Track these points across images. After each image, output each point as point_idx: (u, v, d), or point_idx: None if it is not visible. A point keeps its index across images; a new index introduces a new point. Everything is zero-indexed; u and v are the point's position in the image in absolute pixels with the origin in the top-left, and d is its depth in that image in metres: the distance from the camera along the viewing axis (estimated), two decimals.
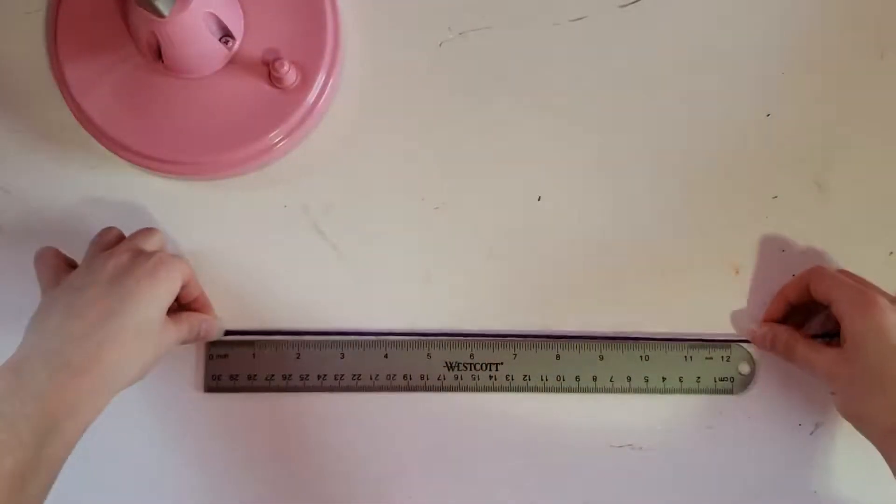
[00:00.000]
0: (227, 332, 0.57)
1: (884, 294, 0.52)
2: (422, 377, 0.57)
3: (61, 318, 0.48)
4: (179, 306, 0.56)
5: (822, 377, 0.53)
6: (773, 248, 0.58)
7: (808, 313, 0.56)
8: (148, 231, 0.55)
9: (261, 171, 0.58)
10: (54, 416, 0.45)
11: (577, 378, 0.57)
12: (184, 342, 0.54)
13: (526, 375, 0.57)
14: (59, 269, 0.53)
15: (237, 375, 0.57)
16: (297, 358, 0.57)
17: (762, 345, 0.56)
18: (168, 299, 0.51)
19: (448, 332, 0.57)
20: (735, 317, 0.58)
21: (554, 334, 0.57)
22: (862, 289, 0.52)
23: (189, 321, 0.54)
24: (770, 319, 0.57)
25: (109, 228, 0.56)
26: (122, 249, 0.52)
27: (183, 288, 0.53)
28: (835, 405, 0.53)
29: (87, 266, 0.52)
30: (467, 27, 0.60)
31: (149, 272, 0.50)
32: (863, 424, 0.51)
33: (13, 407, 0.44)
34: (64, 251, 0.57)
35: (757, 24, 0.60)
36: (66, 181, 0.59)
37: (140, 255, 0.52)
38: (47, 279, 0.53)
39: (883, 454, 0.50)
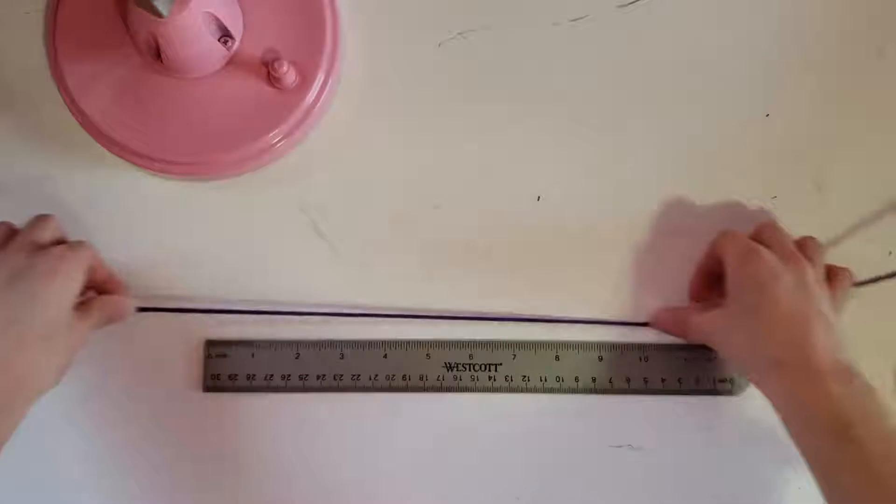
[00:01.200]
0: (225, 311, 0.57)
1: (769, 241, 0.53)
2: (421, 378, 0.57)
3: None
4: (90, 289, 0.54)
5: (709, 336, 0.54)
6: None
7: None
8: (41, 220, 0.52)
9: (260, 171, 0.58)
10: None
11: (577, 379, 0.57)
12: (95, 328, 0.53)
13: (525, 376, 0.57)
14: None
15: (236, 375, 0.57)
16: (297, 358, 0.57)
17: (663, 327, 0.57)
18: (71, 296, 0.50)
19: (447, 332, 0.57)
20: None
21: (553, 318, 0.57)
22: (748, 241, 0.53)
23: (98, 308, 0.52)
24: (693, 296, 0.57)
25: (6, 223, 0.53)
26: (15, 248, 0.50)
27: (90, 273, 0.52)
28: (721, 356, 0.54)
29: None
30: (467, 27, 0.60)
31: (47, 271, 0.49)
32: (746, 369, 0.52)
33: None
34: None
35: (756, 24, 0.60)
36: (65, 181, 0.59)
37: (36, 254, 0.50)
38: None
39: (766, 394, 0.50)
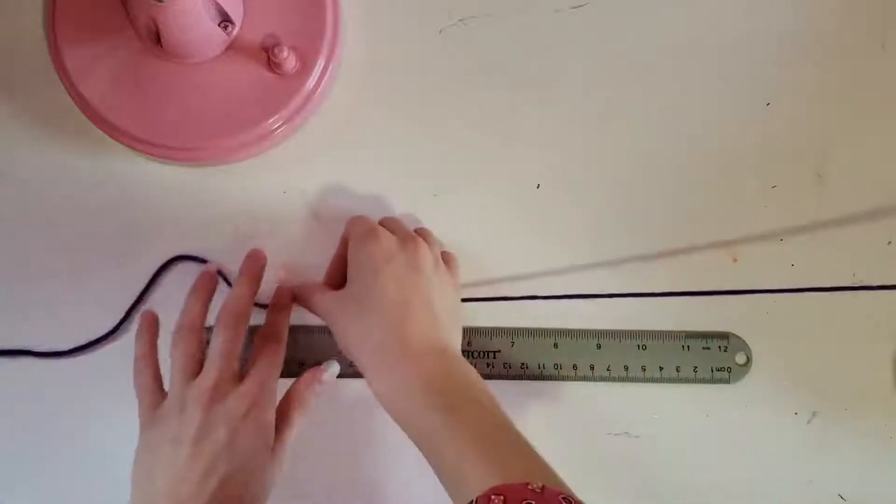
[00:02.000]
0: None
1: (392, 227, 0.54)
2: None
3: (167, 482, 0.48)
4: None
5: (326, 318, 0.53)
6: (771, 238, 0.58)
7: None
8: (229, 347, 0.51)
9: (260, 156, 0.58)
10: None
11: (575, 367, 0.57)
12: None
13: (523, 363, 0.57)
14: (155, 394, 0.52)
15: None
16: (295, 344, 0.57)
17: (286, 298, 0.56)
18: (269, 439, 0.50)
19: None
20: (733, 306, 0.58)
21: (554, 312, 0.58)
22: (371, 223, 0.53)
23: (301, 408, 0.53)
24: (327, 281, 0.56)
25: (188, 340, 0.52)
26: (210, 389, 0.50)
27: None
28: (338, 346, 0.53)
29: (180, 407, 0.49)
30: (467, 14, 0.60)
31: (242, 420, 0.49)
32: (354, 354, 0.51)
33: None
34: (63, 237, 0.58)
35: (757, 12, 0.60)
36: (64, 166, 0.59)
37: (230, 398, 0.50)
38: (146, 406, 0.51)
39: (369, 378, 0.50)
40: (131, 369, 0.53)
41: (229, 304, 0.52)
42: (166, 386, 0.52)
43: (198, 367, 0.51)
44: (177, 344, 0.52)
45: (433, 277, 0.52)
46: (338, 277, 0.56)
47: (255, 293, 0.54)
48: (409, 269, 0.51)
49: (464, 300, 0.57)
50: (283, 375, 0.56)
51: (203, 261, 0.58)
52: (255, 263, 0.56)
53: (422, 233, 0.56)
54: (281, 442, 0.51)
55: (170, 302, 0.56)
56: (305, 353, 0.57)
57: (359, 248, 0.52)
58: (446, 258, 0.56)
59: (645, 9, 0.60)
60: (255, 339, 0.54)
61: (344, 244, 0.55)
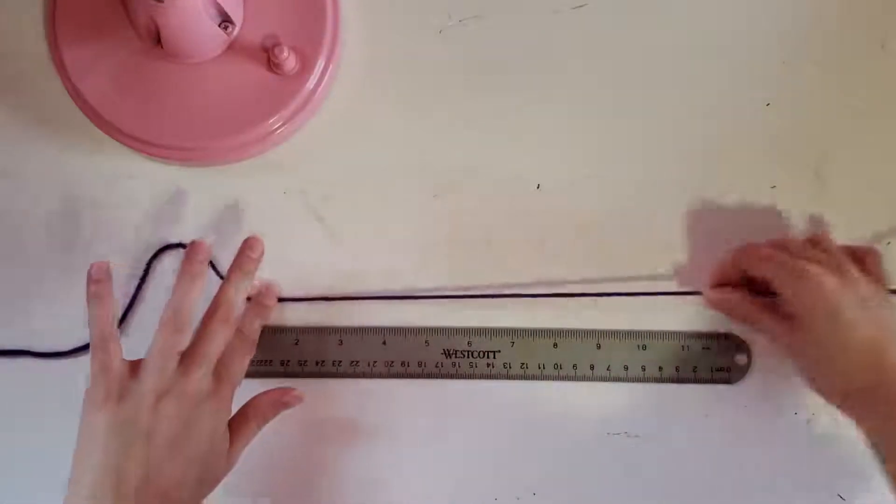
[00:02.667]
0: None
1: (816, 257, 0.53)
2: (419, 364, 0.57)
3: (108, 468, 0.46)
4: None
5: (782, 347, 0.54)
6: (771, 238, 0.58)
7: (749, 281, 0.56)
8: (208, 348, 0.50)
9: (260, 156, 0.58)
10: None
11: (575, 366, 0.57)
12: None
13: (524, 363, 0.57)
14: (123, 379, 0.48)
15: None
16: (296, 344, 0.57)
17: (719, 309, 0.57)
18: (224, 444, 0.50)
19: (446, 319, 0.58)
20: None
21: (555, 313, 0.58)
22: (793, 264, 0.52)
23: (258, 420, 0.52)
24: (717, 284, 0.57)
25: (171, 327, 0.49)
26: (172, 402, 0.48)
27: None
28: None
29: (146, 395, 0.47)
30: (467, 14, 0.60)
31: (200, 420, 0.48)
32: (820, 391, 0.53)
33: None
34: (62, 236, 0.57)
35: (757, 12, 0.60)
36: (64, 165, 0.59)
37: (193, 398, 0.48)
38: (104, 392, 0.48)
39: (853, 419, 0.51)
40: None
41: (220, 304, 0.51)
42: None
43: (177, 357, 0.49)
44: (160, 330, 0.49)
45: (874, 298, 0.51)
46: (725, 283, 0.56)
47: (247, 289, 0.53)
48: (859, 304, 0.50)
49: (461, 296, 0.57)
50: (281, 376, 0.57)
51: (183, 245, 0.58)
52: (249, 255, 0.53)
53: (823, 241, 0.55)
54: (234, 450, 0.51)
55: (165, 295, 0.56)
56: (303, 354, 0.57)
57: (800, 298, 0.51)
58: (866, 257, 0.54)
59: (644, 9, 0.60)
60: (231, 342, 0.51)
61: (732, 268, 0.56)
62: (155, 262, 0.58)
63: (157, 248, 0.58)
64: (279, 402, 0.53)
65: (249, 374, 0.56)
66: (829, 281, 0.51)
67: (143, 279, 0.57)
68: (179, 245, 0.58)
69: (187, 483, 0.48)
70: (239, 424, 0.51)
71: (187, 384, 0.48)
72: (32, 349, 0.57)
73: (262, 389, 0.57)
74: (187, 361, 0.49)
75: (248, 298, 0.56)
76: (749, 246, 0.55)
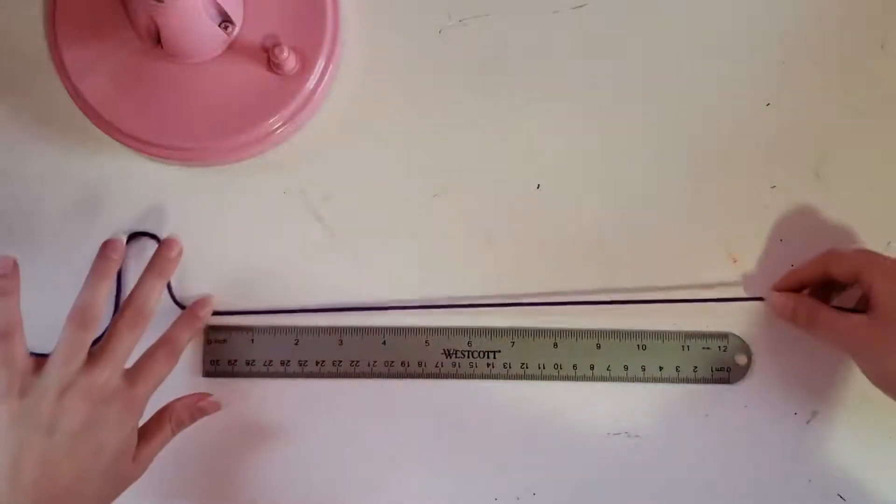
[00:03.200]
0: (223, 313, 0.57)
1: None
2: (420, 364, 0.57)
3: (8, 465, 0.46)
4: None
5: (847, 343, 0.53)
6: (771, 238, 0.58)
7: (815, 294, 0.56)
8: (120, 347, 0.49)
9: (260, 157, 0.58)
10: None
11: (575, 366, 0.57)
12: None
13: (523, 363, 0.57)
14: (26, 374, 0.48)
15: (235, 361, 0.57)
16: (296, 344, 0.57)
17: (782, 313, 0.56)
18: (131, 447, 0.50)
19: (446, 319, 0.58)
20: (733, 306, 0.58)
21: (554, 317, 0.58)
22: (884, 258, 0.52)
23: (173, 426, 0.52)
24: (781, 287, 0.57)
25: (79, 322, 0.48)
26: (78, 394, 0.47)
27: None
28: (861, 370, 0.53)
29: (50, 390, 0.47)
30: (467, 14, 0.60)
31: (109, 422, 0.48)
32: (891, 385, 0.52)
33: None
34: (61, 237, 0.58)
35: (757, 12, 0.60)
36: (64, 166, 0.59)
37: (102, 404, 0.48)
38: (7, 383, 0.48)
39: None
40: None
41: (130, 303, 0.51)
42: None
43: (83, 354, 0.48)
44: (66, 325, 0.48)
45: None
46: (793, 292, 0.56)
47: (161, 290, 0.52)
48: None
49: (463, 306, 0.57)
50: (281, 376, 0.57)
51: (153, 236, 0.58)
52: (166, 256, 0.53)
53: None
54: (144, 453, 0.51)
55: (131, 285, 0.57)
56: (303, 354, 0.57)
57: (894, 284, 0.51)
58: None
59: (644, 9, 0.60)
60: (154, 346, 0.52)
61: (812, 272, 0.55)
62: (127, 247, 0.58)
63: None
64: (195, 408, 0.54)
65: (252, 375, 0.57)
66: None
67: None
68: (145, 234, 0.58)
69: (89, 480, 0.47)
70: (152, 428, 0.52)
71: (92, 381, 0.48)
72: (32, 350, 0.57)
73: (265, 391, 0.57)
74: (93, 359, 0.49)
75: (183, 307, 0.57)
76: (835, 250, 0.55)
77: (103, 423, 0.48)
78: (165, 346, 0.53)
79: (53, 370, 0.47)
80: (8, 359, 0.48)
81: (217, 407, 0.55)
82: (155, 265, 0.53)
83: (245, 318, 0.58)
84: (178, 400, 0.54)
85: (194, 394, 0.55)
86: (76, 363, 0.48)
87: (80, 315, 0.48)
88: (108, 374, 0.48)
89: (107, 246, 0.50)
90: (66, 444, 0.47)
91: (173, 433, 0.53)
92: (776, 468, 0.57)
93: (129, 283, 0.57)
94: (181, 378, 0.57)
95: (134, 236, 0.58)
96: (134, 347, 0.51)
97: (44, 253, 0.58)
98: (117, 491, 0.50)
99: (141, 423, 0.51)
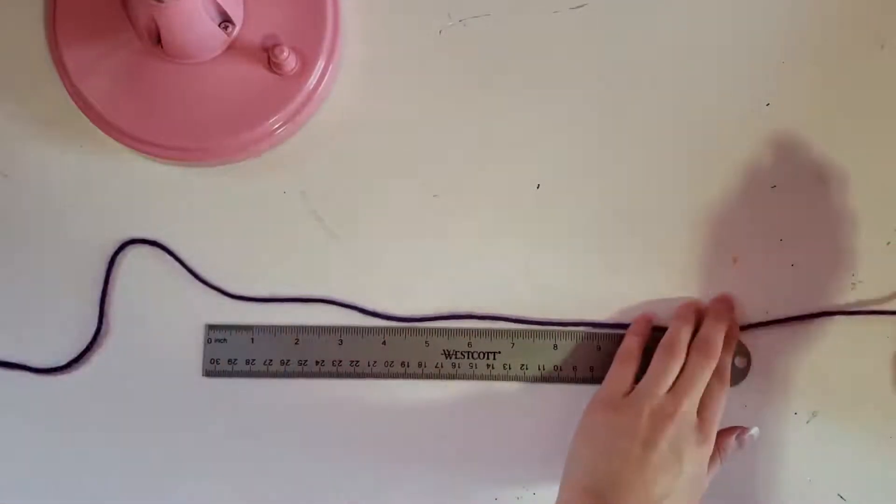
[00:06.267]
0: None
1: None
2: (419, 365, 0.57)
3: (604, 465, 0.50)
4: None
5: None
6: (771, 239, 0.58)
7: None
8: (707, 364, 0.53)
9: (260, 157, 0.58)
10: None
11: (574, 368, 0.57)
12: None
13: (523, 365, 0.57)
14: (626, 383, 0.54)
15: (235, 360, 0.57)
16: (296, 343, 0.57)
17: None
18: (703, 482, 0.52)
19: (447, 317, 0.58)
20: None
21: (552, 321, 0.58)
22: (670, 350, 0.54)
23: (721, 456, 0.54)
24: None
25: (673, 352, 0.54)
26: (678, 418, 0.51)
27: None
28: None
29: (646, 408, 0.51)
30: (467, 14, 0.60)
31: (699, 457, 0.51)
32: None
33: None
34: (64, 237, 0.58)
35: (757, 13, 0.60)
36: (65, 166, 0.59)
37: (691, 433, 0.51)
38: (615, 385, 0.54)
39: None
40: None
41: (703, 338, 0.55)
42: None
43: (669, 381, 0.53)
44: (663, 354, 0.54)
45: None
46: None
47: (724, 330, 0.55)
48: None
49: (455, 317, 0.57)
50: (281, 375, 0.57)
51: (154, 243, 0.58)
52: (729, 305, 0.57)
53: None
54: (707, 475, 0.53)
55: (133, 287, 0.58)
56: (303, 353, 0.57)
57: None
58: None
59: (644, 9, 0.60)
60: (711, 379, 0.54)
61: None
62: (119, 256, 0.58)
63: (158, 248, 0.58)
64: (733, 441, 0.55)
65: (252, 374, 0.57)
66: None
67: (108, 273, 0.58)
68: (144, 241, 0.58)
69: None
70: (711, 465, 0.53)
71: (676, 409, 0.51)
72: (29, 363, 0.57)
73: (265, 390, 0.57)
74: (677, 390, 0.52)
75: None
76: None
77: (686, 449, 0.50)
78: (718, 380, 0.54)
79: (645, 389, 0.52)
80: (621, 379, 0.54)
81: (754, 437, 0.55)
82: (721, 312, 0.56)
83: (245, 317, 0.58)
84: (726, 433, 0.55)
85: (737, 428, 0.55)
86: (662, 391, 0.52)
87: (669, 346, 0.54)
88: (687, 404, 0.52)
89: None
90: (656, 461, 0.50)
91: (721, 459, 0.54)
92: (776, 468, 0.57)
93: (118, 291, 0.58)
94: (182, 377, 0.57)
95: (132, 243, 0.58)
96: (706, 383, 0.53)
97: (44, 253, 0.58)
98: None
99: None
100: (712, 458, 0.53)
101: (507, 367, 0.57)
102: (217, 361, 0.57)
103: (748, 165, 0.59)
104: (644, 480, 0.49)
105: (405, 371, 0.57)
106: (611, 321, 0.58)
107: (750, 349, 0.57)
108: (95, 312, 0.57)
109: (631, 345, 0.56)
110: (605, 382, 0.55)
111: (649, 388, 0.52)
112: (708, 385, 0.53)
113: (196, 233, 0.58)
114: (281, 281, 0.58)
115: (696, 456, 0.51)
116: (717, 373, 0.54)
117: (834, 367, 0.57)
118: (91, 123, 0.57)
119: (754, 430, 0.55)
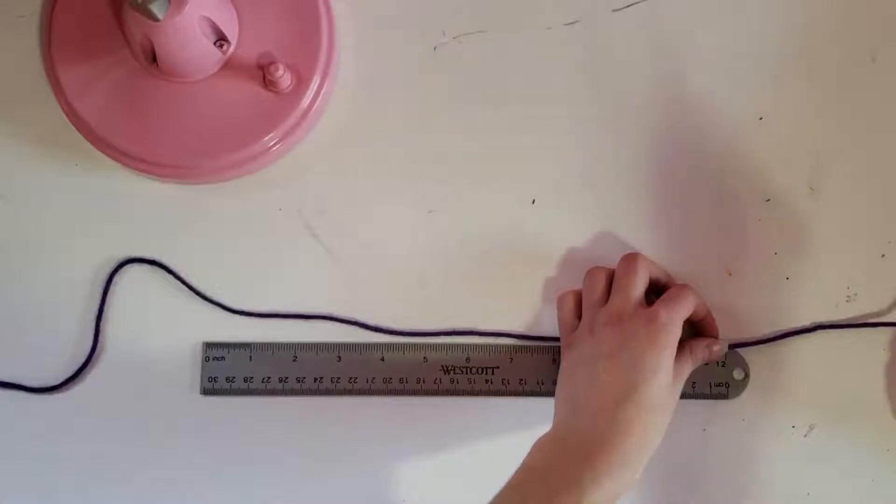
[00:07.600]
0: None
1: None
2: (418, 381, 0.57)
3: (585, 396, 0.51)
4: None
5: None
6: (765, 252, 0.58)
7: None
8: (631, 271, 0.54)
9: (255, 174, 0.58)
10: (582, 486, 0.48)
11: None
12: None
13: (522, 380, 0.57)
14: (569, 323, 0.56)
15: (233, 378, 0.57)
16: (294, 361, 0.57)
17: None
18: (671, 363, 0.52)
19: (444, 334, 0.58)
20: (728, 320, 0.58)
21: (550, 336, 0.58)
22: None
23: (693, 357, 0.55)
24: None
25: (594, 276, 0.55)
26: (617, 314, 0.52)
27: (692, 316, 0.55)
28: None
29: (591, 332, 0.53)
30: (461, 31, 0.60)
31: (650, 342, 0.51)
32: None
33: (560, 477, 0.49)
34: (60, 256, 0.58)
35: (749, 27, 0.60)
36: (61, 185, 0.59)
37: (638, 318, 0.52)
38: (563, 334, 0.56)
39: None
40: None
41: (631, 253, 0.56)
42: None
43: (604, 297, 0.54)
44: (586, 279, 0.56)
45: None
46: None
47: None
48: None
49: (457, 333, 0.57)
50: (279, 393, 0.57)
51: (152, 262, 0.58)
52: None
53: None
54: (678, 375, 0.53)
55: (129, 306, 0.57)
56: (301, 371, 0.57)
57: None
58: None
59: (637, 25, 0.60)
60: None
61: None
62: (116, 275, 0.58)
63: (154, 266, 0.58)
64: (707, 349, 0.56)
65: (250, 392, 0.57)
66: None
67: (105, 291, 0.57)
68: (142, 260, 0.58)
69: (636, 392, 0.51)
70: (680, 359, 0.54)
71: (610, 310, 0.53)
72: (24, 383, 0.57)
73: (265, 408, 0.57)
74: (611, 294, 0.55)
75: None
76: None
77: (628, 338, 0.51)
78: (692, 290, 0.55)
79: (582, 318, 0.55)
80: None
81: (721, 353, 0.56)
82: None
83: (243, 334, 0.57)
84: (695, 340, 0.55)
85: (706, 339, 0.56)
86: (595, 304, 0.54)
87: (588, 275, 0.56)
88: (617, 301, 0.53)
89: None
90: (602, 364, 0.51)
91: (691, 363, 0.55)
92: (774, 482, 0.57)
93: (114, 310, 0.58)
94: (178, 396, 0.57)
95: (129, 262, 0.58)
96: (639, 280, 0.54)
97: (40, 271, 0.58)
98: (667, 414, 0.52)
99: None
100: (682, 356, 0.53)
101: (506, 382, 0.57)
102: (215, 379, 0.57)
103: (742, 179, 0.59)
104: (602, 382, 0.51)
105: (404, 387, 0.57)
106: None
107: (748, 364, 0.57)
108: (91, 331, 0.57)
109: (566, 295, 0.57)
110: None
111: (586, 311, 0.55)
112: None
113: (192, 251, 0.58)
114: (277, 298, 0.58)
115: (644, 340, 0.51)
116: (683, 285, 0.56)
117: (831, 380, 0.57)
118: (87, 142, 0.57)
119: (723, 344, 0.56)
